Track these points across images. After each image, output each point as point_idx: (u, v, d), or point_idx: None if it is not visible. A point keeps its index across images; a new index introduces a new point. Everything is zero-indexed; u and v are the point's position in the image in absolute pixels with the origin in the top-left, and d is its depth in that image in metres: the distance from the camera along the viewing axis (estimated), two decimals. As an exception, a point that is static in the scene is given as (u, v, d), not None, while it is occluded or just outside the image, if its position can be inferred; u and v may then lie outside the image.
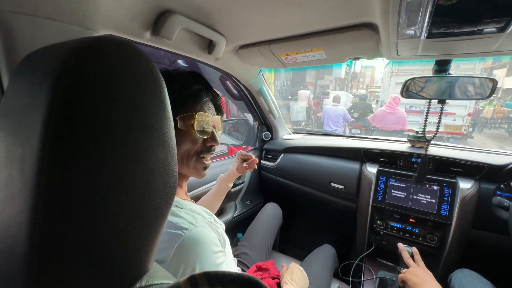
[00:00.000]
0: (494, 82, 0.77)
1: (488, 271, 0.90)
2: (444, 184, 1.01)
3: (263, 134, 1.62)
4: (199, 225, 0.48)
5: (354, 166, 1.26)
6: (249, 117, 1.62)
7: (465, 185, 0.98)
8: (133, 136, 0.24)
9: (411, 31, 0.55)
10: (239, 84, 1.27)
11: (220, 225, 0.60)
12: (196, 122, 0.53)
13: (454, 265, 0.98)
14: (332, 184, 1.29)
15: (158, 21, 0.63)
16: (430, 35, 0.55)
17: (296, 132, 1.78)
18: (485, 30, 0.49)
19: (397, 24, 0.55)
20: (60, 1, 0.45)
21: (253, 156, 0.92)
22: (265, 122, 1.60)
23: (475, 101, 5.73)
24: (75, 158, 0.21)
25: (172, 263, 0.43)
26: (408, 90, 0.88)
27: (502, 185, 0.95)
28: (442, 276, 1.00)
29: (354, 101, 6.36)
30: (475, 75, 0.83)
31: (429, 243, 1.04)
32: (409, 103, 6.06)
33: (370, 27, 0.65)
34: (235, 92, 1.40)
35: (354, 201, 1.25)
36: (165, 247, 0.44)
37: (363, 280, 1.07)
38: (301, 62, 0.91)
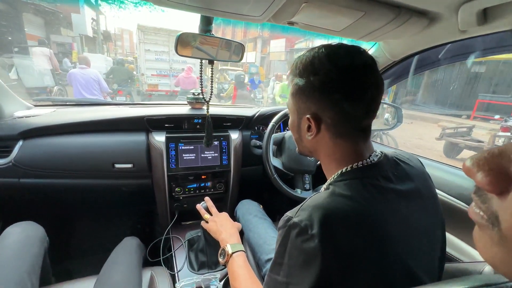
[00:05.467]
0: (243, 46, 0.91)
1: (256, 194, 1.23)
2: (222, 138, 1.17)
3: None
4: None
5: (139, 138, 1.08)
6: None
7: (234, 136, 1.20)
8: None
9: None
10: None
11: None
12: None
13: (237, 199, 1.23)
14: (117, 165, 1.04)
15: None
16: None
17: (41, 105, 1.19)
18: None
19: None
20: None
21: None
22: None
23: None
24: None
25: None
26: (181, 48, 0.81)
27: (253, 131, 1.29)
28: (231, 210, 1.23)
29: (112, 67, 5.83)
30: (232, 39, 0.96)
31: (219, 190, 1.20)
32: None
33: None
34: None
35: (147, 177, 1.11)
36: None
37: (174, 252, 1.04)
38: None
